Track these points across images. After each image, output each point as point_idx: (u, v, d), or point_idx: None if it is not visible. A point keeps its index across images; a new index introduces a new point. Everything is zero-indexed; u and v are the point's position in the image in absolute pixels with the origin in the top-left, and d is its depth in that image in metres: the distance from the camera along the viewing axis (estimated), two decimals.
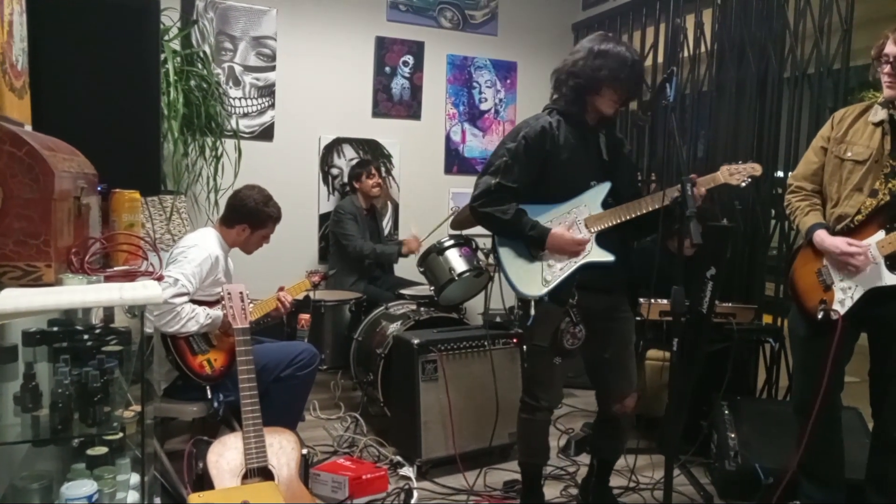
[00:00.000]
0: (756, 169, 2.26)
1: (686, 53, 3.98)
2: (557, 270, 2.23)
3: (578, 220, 2.26)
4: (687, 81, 3.96)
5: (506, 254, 2.28)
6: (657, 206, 2.16)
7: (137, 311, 1.51)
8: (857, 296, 2.22)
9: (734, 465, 2.70)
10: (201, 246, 2.55)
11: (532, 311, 2.22)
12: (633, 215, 2.22)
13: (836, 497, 2.46)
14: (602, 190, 2.27)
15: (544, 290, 2.21)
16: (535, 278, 2.23)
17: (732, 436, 2.77)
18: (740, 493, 2.69)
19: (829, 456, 2.43)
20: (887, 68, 2.13)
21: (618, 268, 2.26)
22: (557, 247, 2.22)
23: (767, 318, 3.41)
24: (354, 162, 4.48)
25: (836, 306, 2.26)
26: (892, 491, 2.34)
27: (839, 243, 2.22)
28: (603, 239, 2.25)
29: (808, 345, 2.39)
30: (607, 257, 2.24)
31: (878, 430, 2.37)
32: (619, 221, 2.23)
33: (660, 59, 4.22)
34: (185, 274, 2.44)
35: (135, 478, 1.75)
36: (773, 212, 3.49)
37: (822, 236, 2.29)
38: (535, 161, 2.23)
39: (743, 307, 3.11)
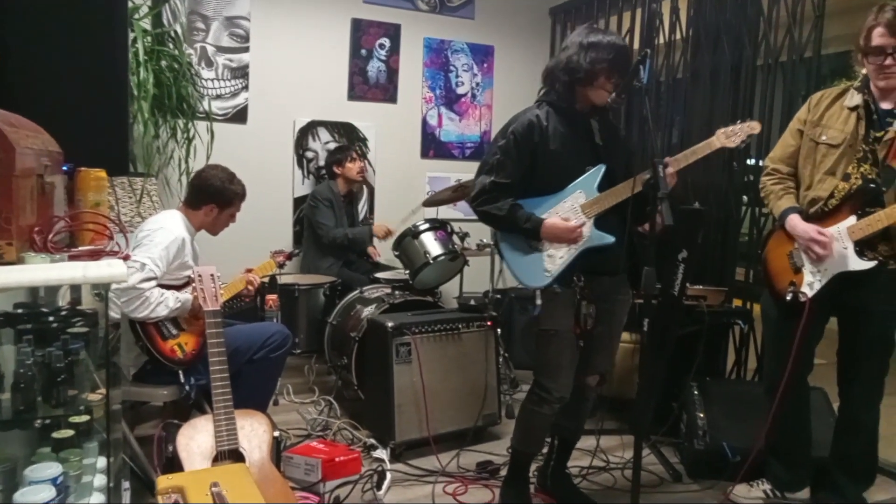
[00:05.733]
0: (754, 127, 2.20)
1: (662, 39, 3.99)
2: (558, 260, 2.25)
3: (575, 206, 2.26)
4: (662, 67, 3.98)
5: (507, 248, 2.34)
6: (638, 189, 2.15)
7: (102, 290, 1.48)
8: (825, 279, 2.26)
9: (702, 444, 2.75)
10: (167, 228, 2.51)
11: (538, 301, 2.26)
12: (626, 195, 2.21)
13: (801, 474, 2.52)
14: (597, 173, 2.26)
15: (548, 281, 2.25)
16: (537, 269, 2.27)
17: (701, 416, 2.82)
18: (708, 472, 2.74)
19: (796, 435, 2.49)
20: (888, 60, 2.11)
21: (619, 249, 2.27)
22: (553, 236, 2.24)
23: (737, 302, 3.47)
24: (333, 147, 4.44)
25: (804, 289, 2.30)
26: (855, 469, 2.41)
27: (809, 230, 2.25)
28: (603, 221, 2.25)
29: (779, 327, 2.43)
30: (607, 239, 2.24)
31: (843, 410, 2.43)
32: (613, 203, 2.23)
33: (636, 44, 4.23)
34: (152, 258, 2.40)
35: (102, 461, 1.73)
36: (745, 198, 3.53)
37: (794, 221, 2.32)
38: (526, 154, 2.26)
39: (713, 290, 3.15)
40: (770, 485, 2.54)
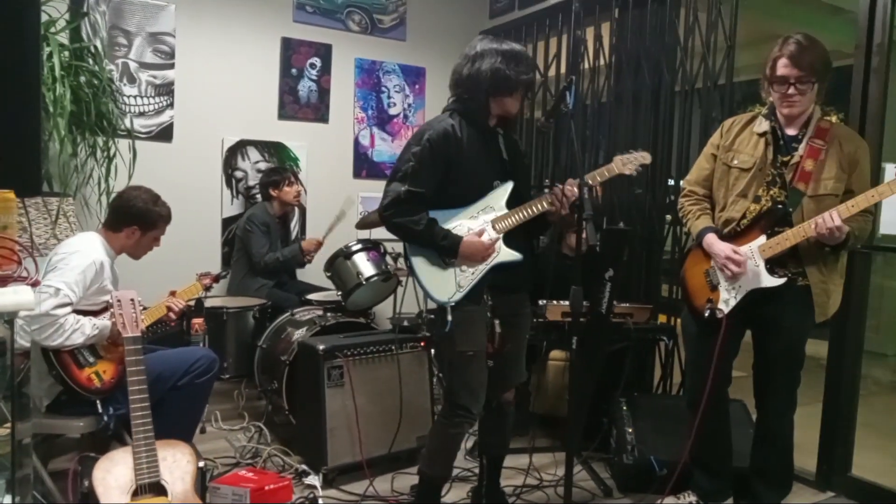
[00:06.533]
0: (646, 157, 2.39)
1: (587, 65, 4.13)
2: (470, 274, 2.25)
3: (486, 221, 2.29)
4: (588, 91, 4.11)
5: (419, 262, 2.27)
6: (556, 205, 2.25)
7: (8, 318, 1.40)
8: (740, 296, 2.36)
9: (631, 458, 2.81)
10: (84, 252, 2.40)
11: (449, 318, 2.21)
12: (536, 212, 2.28)
13: (724, 485, 2.61)
14: (506, 190, 2.31)
15: (459, 296, 2.23)
16: (448, 284, 2.25)
17: (630, 430, 2.88)
18: (638, 485, 2.80)
19: (717, 447, 2.58)
20: (791, 90, 2.24)
21: (524, 266, 2.32)
22: (469, 254, 2.23)
23: (662, 318, 3.58)
24: (263, 167, 4.37)
25: (721, 305, 2.40)
26: (773, 477, 2.51)
27: (725, 249, 2.36)
28: (509, 238, 2.30)
29: (699, 342, 2.53)
30: (516, 256, 2.29)
31: (759, 421, 2.53)
32: (523, 220, 2.28)
33: (562, 68, 4.36)
34: (67, 283, 2.28)
35: (8, 500, 1.62)
36: (667, 217, 3.68)
37: (710, 240, 2.42)
38: (441, 164, 2.23)
39: (639, 307, 3.25)
40: (696, 496, 2.61)
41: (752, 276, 2.33)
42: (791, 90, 2.24)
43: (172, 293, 2.74)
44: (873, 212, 2.32)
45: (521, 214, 2.28)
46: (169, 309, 2.66)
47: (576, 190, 2.18)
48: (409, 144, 2.29)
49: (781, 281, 2.29)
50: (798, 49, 2.21)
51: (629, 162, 2.36)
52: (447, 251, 2.23)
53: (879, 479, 2.83)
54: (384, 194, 2.26)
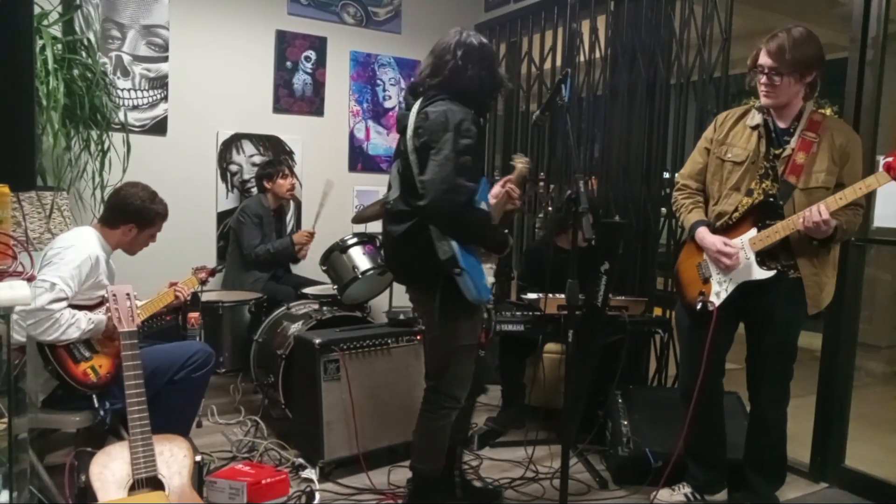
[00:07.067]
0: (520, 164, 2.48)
1: (582, 58, 4.12)
2: (488, 271, 2.31)
3: None
4: (583, 84, 4.11)
5: (469, 264, 2.12)
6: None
7: (4, 313, 1.39)
8: (731, 289, 2.38)
9: (627, 450, 2.83)
10: (79, 246, 2.39)
11: (486, 315, 2.28)
12: (508, 208, 2.38)
13: (718, 476, 2.63)
14: (485, 184, 2.32)
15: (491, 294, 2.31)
16: (486, 284, 2.25)
17: (625, 423, 2.90)
18: (633, 478, 2.82)
19: (711, 439, 2.59)
20: (763, 78, 2.27)
21: None
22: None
23: (658, 311, 3.60)
24: (258, 160, 4.36)
25: (712, 298, 2.41)
26: (767, 469, 2.53)
27: (716, 242, 2.37)
28: None
29: (692, 335, 2.53)
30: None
31: (753, 413, 2.55)
32: (502, 214, 2.34)
33: (558, 62, 4.35)
34: (63, 277, 2.28)
35: (5, 495, 1.62)
36: (662, 210, 3.68)
37: (702, 234, 2.43)
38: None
39: (634, 300, 3.26)
40: (690, 487, 2.63)
41: (742, 268, 2.34)
42: (764, 79, 2.27)
43: (172, 285, 2.75)
44: (863, 205, 2.33)
45: (499, 210, 2.32)
46: (177, 295, 2.70)
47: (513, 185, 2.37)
48: (455, 137, 2.06)
49: (771, 273, 2.30)
50: (781, 42, 2.22)
51: (522, 162, 2.44)
52: (503, 246, 2.26)
53: (873, 470, 2.86)
54: (453, 189, 2.04)
